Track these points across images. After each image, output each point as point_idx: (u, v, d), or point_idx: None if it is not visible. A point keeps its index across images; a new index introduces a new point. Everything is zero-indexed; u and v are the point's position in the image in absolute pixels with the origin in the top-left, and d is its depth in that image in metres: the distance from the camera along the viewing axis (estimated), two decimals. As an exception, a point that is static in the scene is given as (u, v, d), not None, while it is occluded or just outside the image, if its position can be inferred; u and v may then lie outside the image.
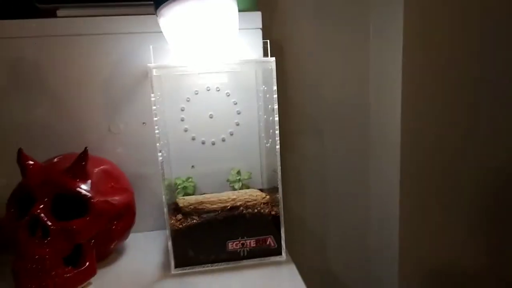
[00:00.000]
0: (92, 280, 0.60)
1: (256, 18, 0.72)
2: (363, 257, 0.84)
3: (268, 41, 0.62)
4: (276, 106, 0.61)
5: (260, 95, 0.72)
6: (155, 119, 0.59)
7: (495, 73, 0.72)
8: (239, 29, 0.63)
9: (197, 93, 0.72)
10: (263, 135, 0.72)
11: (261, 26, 0.72)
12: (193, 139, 0.73)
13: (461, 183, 0.74)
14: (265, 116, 0.70)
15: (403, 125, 0.69)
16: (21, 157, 0.60)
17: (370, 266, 0.85)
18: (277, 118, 0.61)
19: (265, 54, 0.63)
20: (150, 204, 0.75)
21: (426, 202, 0.74)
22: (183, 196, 0.69)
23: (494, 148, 0.74)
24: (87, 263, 0.59)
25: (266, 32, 0.74)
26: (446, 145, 0.72)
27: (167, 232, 0.60)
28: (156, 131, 0.59)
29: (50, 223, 0.55)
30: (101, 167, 0.64)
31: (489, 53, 0.72)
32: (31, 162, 0.60)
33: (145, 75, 0.72)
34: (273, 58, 0.59)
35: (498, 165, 0.74)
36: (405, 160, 0.70)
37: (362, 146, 0.81)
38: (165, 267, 0.63)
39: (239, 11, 0.61)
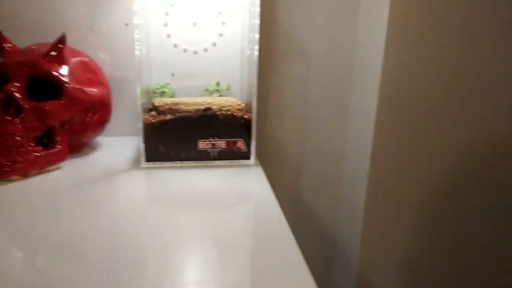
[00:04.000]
0: (62, 165, 0.61)
1: None
2: (336, 183, 0.85)
3: None
4: (258, 9, 0.61)
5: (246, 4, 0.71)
6: (135, 18, 0.58)
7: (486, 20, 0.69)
8: None
9: (182, -2, 0.71)
10: (246, 45, 0.72)
11: None
12: (175, 46, 0.73)
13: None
14: (249, 22, 0.69)
15: (386, 55, 0.68)
16: (0, 39, 0.60)
17: (341, 192, 0.86)
18: (258, 21, 0.61)
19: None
20: (128, 109, 0.76)
21: (400, 137, 0.74)
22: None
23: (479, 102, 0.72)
24: (59, 147, 0.60)
25: None
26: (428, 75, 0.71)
27: (140, 126, 0.61)
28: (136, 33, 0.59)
29: (23, 102, 0.56)
30: (79, 58, 0.64)
31: None
32: (10, 45, 0.60)
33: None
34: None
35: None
36: (384, 90, 0.70)
37: (346, 73, 0.80)
38: (136, 162, 0.65)
39: None
